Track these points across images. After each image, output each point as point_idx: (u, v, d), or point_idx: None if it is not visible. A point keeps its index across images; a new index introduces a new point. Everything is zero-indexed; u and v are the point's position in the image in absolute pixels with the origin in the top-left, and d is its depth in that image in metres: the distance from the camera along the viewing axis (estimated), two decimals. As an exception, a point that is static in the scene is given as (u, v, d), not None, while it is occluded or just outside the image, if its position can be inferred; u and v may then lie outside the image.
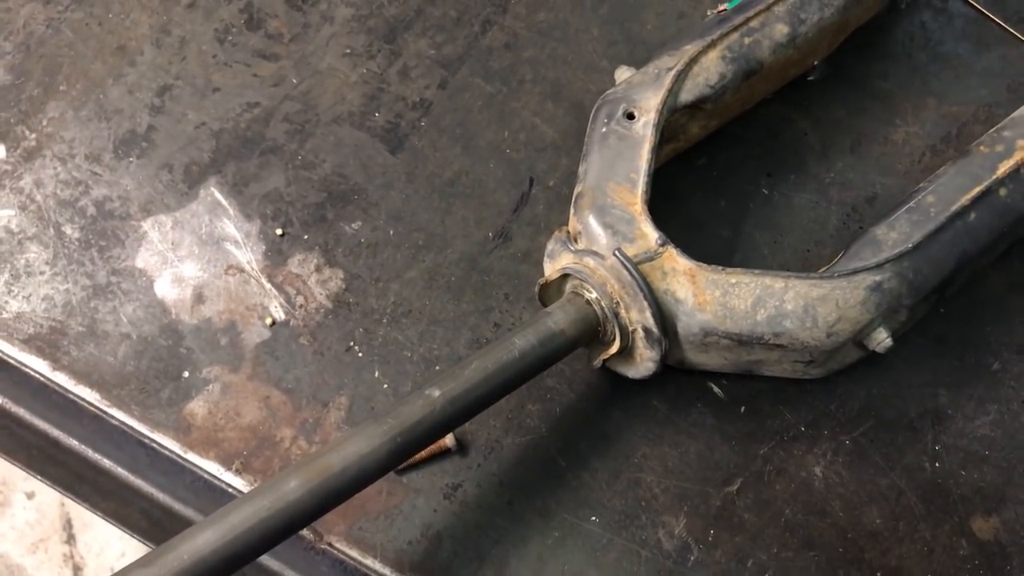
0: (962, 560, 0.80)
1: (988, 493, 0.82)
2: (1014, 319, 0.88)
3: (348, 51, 0.98)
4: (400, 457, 0.70)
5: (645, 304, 0.75)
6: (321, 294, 0.87)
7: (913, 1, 1.02)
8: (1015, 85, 0.98)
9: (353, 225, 0.90)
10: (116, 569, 1.89)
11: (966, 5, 1.03)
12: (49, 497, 1.97)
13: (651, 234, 0.78)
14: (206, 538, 0.63)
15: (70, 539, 1.94)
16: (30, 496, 1.96)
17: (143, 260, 0.88)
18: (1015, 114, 0.84)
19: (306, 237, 0.90)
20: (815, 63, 0.94)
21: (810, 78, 0.96)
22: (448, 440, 0.81)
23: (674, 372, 0.84)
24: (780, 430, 0.84)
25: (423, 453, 0.80)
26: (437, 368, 0.85)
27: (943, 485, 0.82)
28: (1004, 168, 0.80)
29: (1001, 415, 0.85)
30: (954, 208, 0.79)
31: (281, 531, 0.66)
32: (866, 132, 0.96)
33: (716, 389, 0.85)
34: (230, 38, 0.99)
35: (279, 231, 0.89)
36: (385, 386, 0.84)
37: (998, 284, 0.89)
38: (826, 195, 0.93)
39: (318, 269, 0.88)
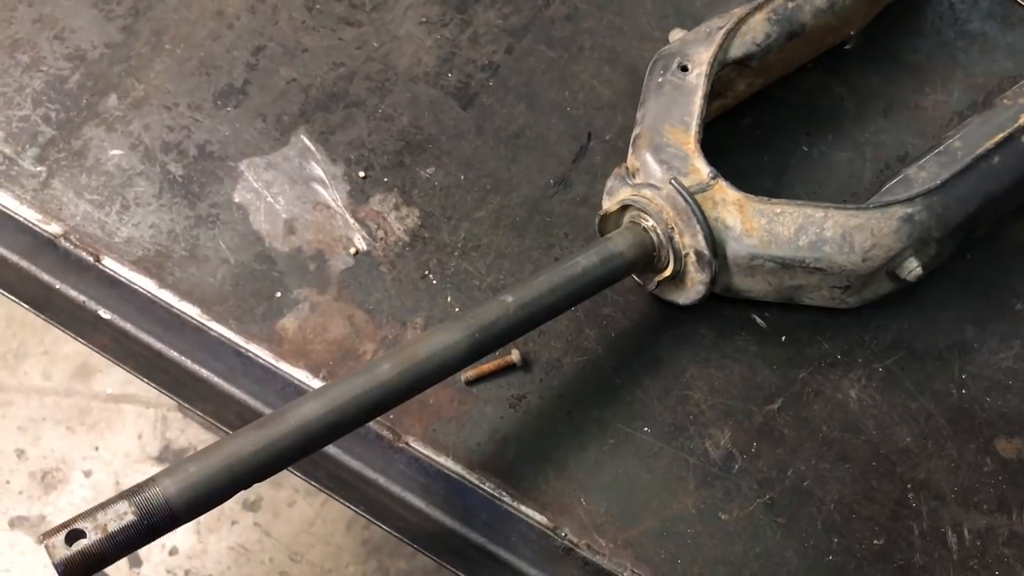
0: (986, 476, 0.86)
1: (1011, 418, 0.89)
2: (1036, 265, 0.96)
3: (424, 20, 1.08)
4: (476, 353, 0.78)
5: (698, 228, 0.83)
6: (399, 229, 0.96)
7: (942, -17, 1.11)
8: (1038, 60, 1.06)
9: (428, 170, 0.99)
10: (168, 548, 1.96)
11: (992, -11, 1.12)
12: (105, 476, 2.06)
13: (703, 168, 0.87)
14: (310, 407, 0.72)
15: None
16: (87, 474, 2.06)
17: (239, 195, 0.98)
18: (1036, 73, 0.92)
19: (386, 179, 0.99)
20: (851, 33, 1.03)
21: (847, 47, 1.05)
22: (514, 356, 0.89)
23: (720, 303, 0.92)
24: (818, 357, 0.91)
25: (491, 366, 0.89)
26: (504, 295, 0.93)
27: (969, 410, 0.89)
28: (1025, 118, 0.88)
29: (1023, 350, 0.92)
30: (979, 151, 0.87)
31: (372, 407, 0.74)
32: (898, 98, 1.05)
33: (759, 320, 0.93)
34: (318, 6, 1.09)
35: (362, 174, 0.99)
36: (456, 310, 0.92)
37: (1021, 232, 0.97)
38: (861, 153, 1.01)
39: (396, 207, 0.97)
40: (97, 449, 2.09)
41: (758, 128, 1.03)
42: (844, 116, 1.04)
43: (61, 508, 2.01)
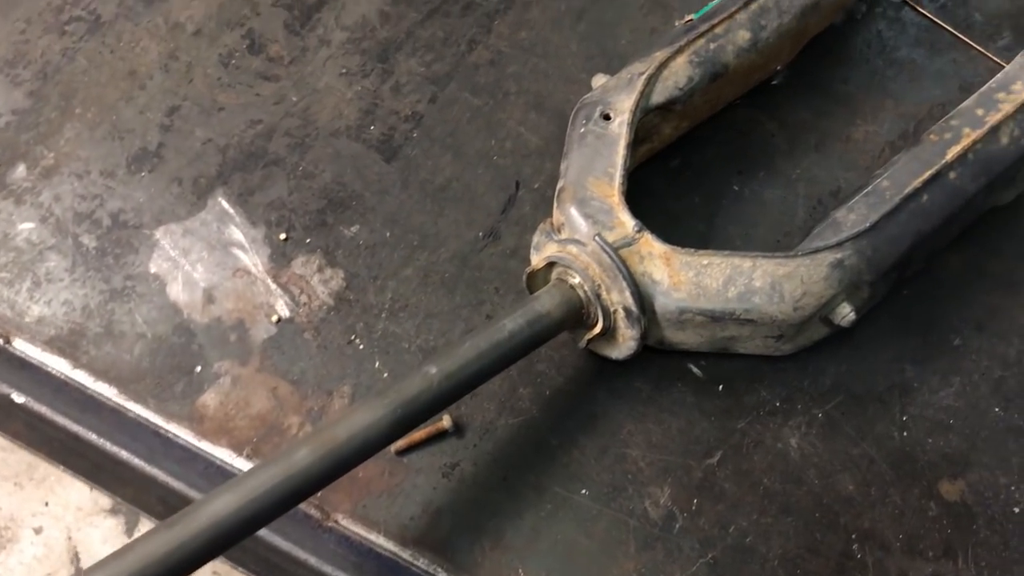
0: (931, 521, 0.85)
1: (953, 458, 0.87)
2: (973, 298, 0.94)
3: (344, 71, 1.06)
4: (400, 429, 0.76)
5: (624, 285, 0.81)
6: (323, 292, 0.93)
7: (868, 11, 1.10)
8: (966, 85, 1.05)
9: (352, 229, 0.97)
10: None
11: (918, 14, 1.11)
12: (56, 532, 2.00)
13: (628, 222, 0.84)
14: (223, 502, 0.69)
15: (77, 572, 1.97)
16: (37, 531, 2.00)
17: (156, 265, 0.94)
18: (962, 105, 0.91)
19: (308, 241, 0.96)
20: (778, 68, 1.01)
21: (774, 82, 1.03)
22: (445, 422, 0.86)
23: (655, 354, 0.89)
24: (756, 406, 0.89)
25: (422, 434, 0.86)
26: (433, 357, 0.90)
27: (911, 452, 0.87)
28: (952, 153, 0.87)
29: (963, 387, 0.90)
30: (907, 191, 0.85)
31: (291, 497, 0.71)
32: (829, 132, 1.03)
33: (695, 369, 0.90)
34: (233, 62, 1.06)
35: (283, 236, 0.96)
36: (385, 375, 0.89)
37: (957, 265, 0.95)
38: (793, 190, 1.00)
39: (320, 270, 0.94)
40: (47, 504, 2.03)
41: (688, 169, 1.01)
42: (775, 152, 1.02)
43: (11, 568, 1.94)
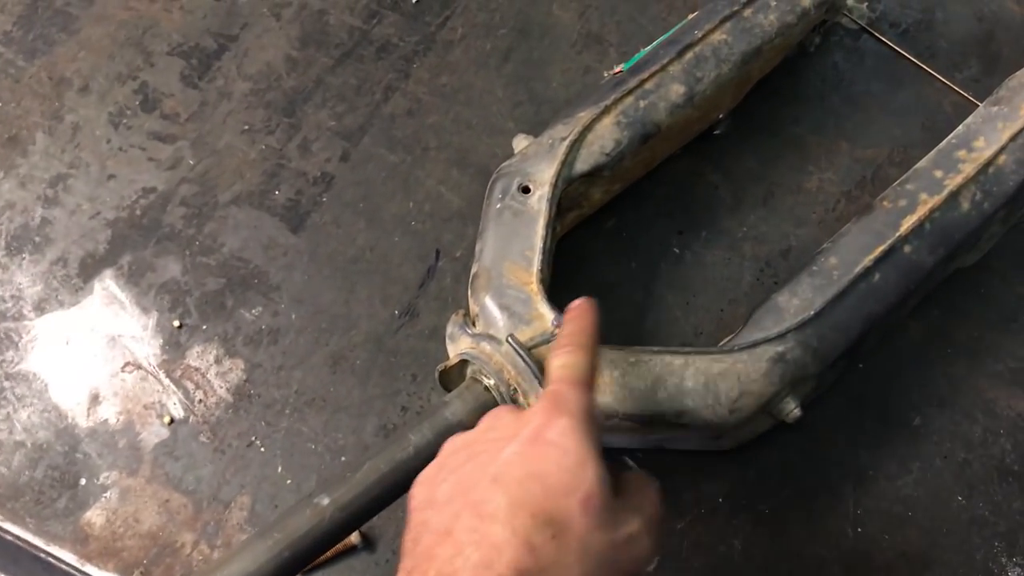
0: (887, 631, 0.78)
1: (912, 557, 0.80)
2: (934, 370, 0.86)
3: (246, 127, 0.96)
4: (289, 572, 0.68)
5: (540, 390, 0.73)
6: (221, 387, 0.85)
7: (823, 42, 1.01)
8: (928, 123, 0.96)
9: (253, 311, 0.88)
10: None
11: (878, 42, 1.01)
12: None
13: (547, 314, 0.76)
14: None
15: None
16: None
17: (37, 362, 0.86)
18: (918, 165, 0.82)
19: (205, 327, 0.87)
20: (719, 117, 0.92)
21: (716, 132, 0.94)
22: (354, 537, 0.78)
23: (586, 449, 0.81)
24: (697, 502, 0.81)
25: (327, 553, 0.78)
26: (343, 459, 0.82)
27: (866, 551, 0.80)
28: (907, 224, 0.78)
29: (923, 473, 0.83)
30: (857, 270, 0.76)
31: (162, 663, 0.63)
32: (779, 182, 0.94)
33: (630, 463, 0.82)
34: (125, 121, 0.96)
35: (177, 322, 0.87)
36: (289, 481, 0.81)
37: (917, 334, 0.87)
38: (739, 251, 0.91)
39: (218, 360, 0.86)
40: None
41: (624, 230, 0.92)
42: (719, 207, 0.93)
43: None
